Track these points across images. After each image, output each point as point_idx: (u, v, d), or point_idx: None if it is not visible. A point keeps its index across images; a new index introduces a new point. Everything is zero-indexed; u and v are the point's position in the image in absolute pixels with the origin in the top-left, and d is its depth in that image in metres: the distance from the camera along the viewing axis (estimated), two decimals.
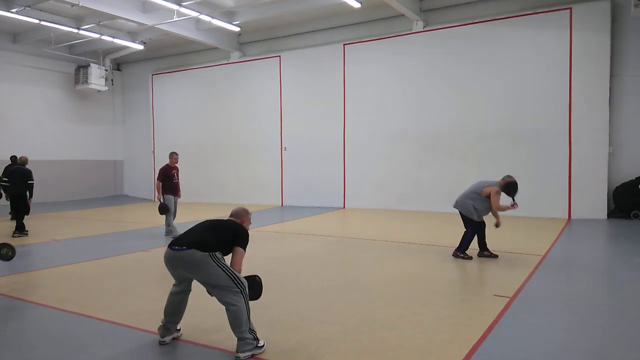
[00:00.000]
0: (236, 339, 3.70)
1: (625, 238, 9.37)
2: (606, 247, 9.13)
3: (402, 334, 4.17)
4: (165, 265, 3.89)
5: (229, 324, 3.72)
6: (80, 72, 18.07)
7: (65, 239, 9.66)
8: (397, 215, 12.67)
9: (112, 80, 19.51)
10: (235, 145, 17.10)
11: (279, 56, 15.96)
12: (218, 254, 3.75)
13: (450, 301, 5.22)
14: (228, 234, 3.89)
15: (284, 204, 16.02)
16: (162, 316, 4.04)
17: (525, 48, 12.13)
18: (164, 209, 9.52)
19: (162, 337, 4.01)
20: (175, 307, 4.00)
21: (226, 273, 3.69)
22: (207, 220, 4.10)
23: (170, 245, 3.84)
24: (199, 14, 13.11)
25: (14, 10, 12.72)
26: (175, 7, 12.54)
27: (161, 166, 9.90)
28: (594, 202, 11.43)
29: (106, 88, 18.57)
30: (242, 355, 3.65)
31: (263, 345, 3.80)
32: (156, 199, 9.82)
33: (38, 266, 7.46)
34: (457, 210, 7.38)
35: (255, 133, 16.60)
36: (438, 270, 6.65)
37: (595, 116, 11.44)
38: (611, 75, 11.36)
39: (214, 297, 3.81)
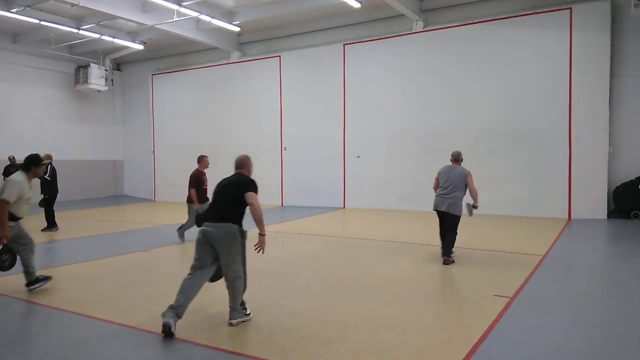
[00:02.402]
0: (229, 308, 4.41)
1: (625, 238, 9.37)
2: (606, 247, 9.13)
3: (402, 334, 4.16)
4: (198, 241, 4.42)
5: (228, 308, 4.42)
6: (80, 72, 18.06)
7: (65, 239, 9.66)
8: (397, 215, 12.67)
9: (112, 80, 19.51)
10: (235, 145, 17.04)
11: (279, 56, 15.95)
12: (246, 233, 4.50)
13: (450, 301, 5.21)
14: (238, 193, 4.43)
15: (284, 204, 16.01)
16: (161, 316, 4.07)
17: (525, 48, 12.13)
18: (200, 221, 8.98)
19: (165, 317, 4.13)
20: (191, 286, 4.35)
21: (243, 258, 4.50)
22: (220, 187, 4.61)
23: (206, 221, 4.43)
24: (199, 14, 13.11)
25: (14, 10, 12.72)
26: (175, 7, 12.53)
27: (192, 172, 8.94)
28: (594, 202, 11.42)
29: (106, 88, 18.57)
30: (234, 321, 4.39)
31: (250, 313, 4.55)
32: (193, 208, 8.79)
33: (38, 266, 7.42)
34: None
35: (255, 133, 16.60)
36: (438, 270, 6.65)
37: (595, 116, 11.43)
38: (611, 75, 11.36)
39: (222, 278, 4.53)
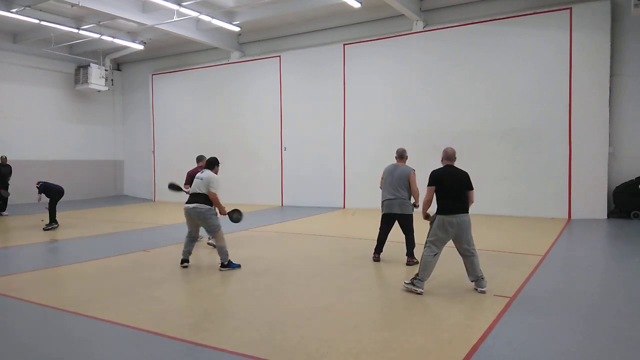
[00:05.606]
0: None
1: (625, 238, 9.36)
2: (606, 247, 9.12)
3: (402, 334, 4.16)
4: (446, 228, 5.47)
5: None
6: (80, 72, 18.06)
7: (65, 239, 9.66)
8: None
9: (112, 80, 19.50)
10: (235, 145, 17.10)
11: (279, 56, 15.95)
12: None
13: (450, 301, 5.21)
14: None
15: (284, 204, 16.01)
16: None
17: (525, 48, 12.13)
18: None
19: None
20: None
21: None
22: (455, 182, 5.64)
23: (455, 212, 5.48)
24: (199, 14, 13.10)
25: (14, 10, 12.71)
26: (175, 7, 12.53)
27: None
28: (594, 202, 11.42)
29: (106, 88, 18.56)
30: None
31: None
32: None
33: (38, 266, 7.45)
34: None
35: (255, 133, 16.60)
36: (438, 270, 6.63)
37: (595, 116, 11.43)
38: (611, 75, 11.36)
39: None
